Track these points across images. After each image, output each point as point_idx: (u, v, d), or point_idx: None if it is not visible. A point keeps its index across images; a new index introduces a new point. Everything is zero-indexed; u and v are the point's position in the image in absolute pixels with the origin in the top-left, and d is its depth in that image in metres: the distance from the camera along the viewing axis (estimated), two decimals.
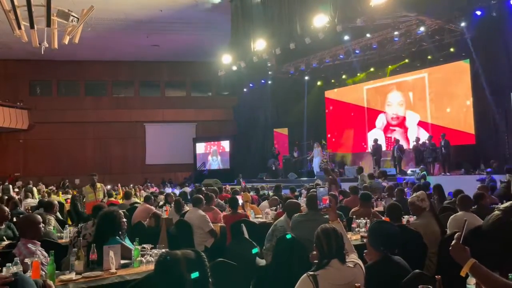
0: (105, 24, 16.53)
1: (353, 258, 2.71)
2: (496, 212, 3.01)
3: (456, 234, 2.06)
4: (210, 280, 1.50)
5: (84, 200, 9.20)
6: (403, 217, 4.97)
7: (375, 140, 16.26)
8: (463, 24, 13.39)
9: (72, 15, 5.81)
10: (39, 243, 3.77)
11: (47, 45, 6.10)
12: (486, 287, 1.94)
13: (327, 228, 2.65)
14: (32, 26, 5.64)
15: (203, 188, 10.79)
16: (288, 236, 4.16)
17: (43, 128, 22.35)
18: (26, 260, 3.21)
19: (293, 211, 4.97)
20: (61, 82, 23.88)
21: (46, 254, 3.58)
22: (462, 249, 1.96)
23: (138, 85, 24.70)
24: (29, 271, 3.07)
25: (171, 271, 1.44)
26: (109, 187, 14.05)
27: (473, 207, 5.56)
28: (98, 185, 9.07)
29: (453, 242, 2.00)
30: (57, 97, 23.61)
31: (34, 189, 14.01)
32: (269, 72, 19.14)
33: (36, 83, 23.88)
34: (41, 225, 3.85)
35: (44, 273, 3.17)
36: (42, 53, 6.40)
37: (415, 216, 4.91)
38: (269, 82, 20.17)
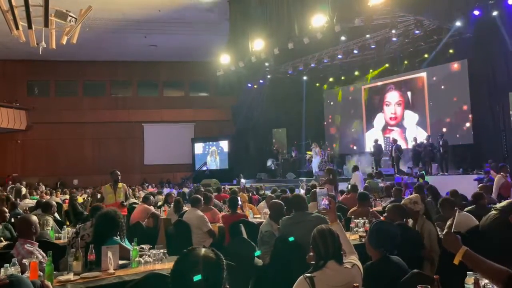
0: (103, 24, 16.51)
1: (351, 259, 2.69)
2: (493, 211, 3.01)
3: (447, 224, 2.10)
4: (223, 283, 1.45)
5: (104, 201, 7.74)
6: None
7: (376, 141, 16.23)
8: (461, 24, 13.41)
9: (70, 15, 5.79)
10: (37, 243, 3.77)
11: (45, 45, 6.09)
12: (480, 273, 2.00)
13: (323, 229, 2.64)
14: (30, 26, 5.62)
15: (202, 189, 10.77)
16: (291, 239, 4.11)
17: (41, 129, 22.32)
18: (24, 260, 3.21)
19: (276, 213, 4.85)
20: (59, 82, 23.84)
21: (44, 254, 3.58)
22: (454, 238, 2.01)
23: (136, 85, 24.69)
24: (27, 271, 3.07)
25: (187, 273, 1.40)
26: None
27: (470, 207, 5.57)
28: (120, 184, 7.70)
29: (445, 231, 2.05)
30: (55, 97, 23.57)
31: (23, 189, 14.05)
32: (268, 72, 19.15)
33: (34, 83, 23.84)
34: (38, 225, 3.85)
35: (42, 273, 3.16)
36: (40, 53, 6.38)
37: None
38: (268, 82, 20.17)
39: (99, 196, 9.91)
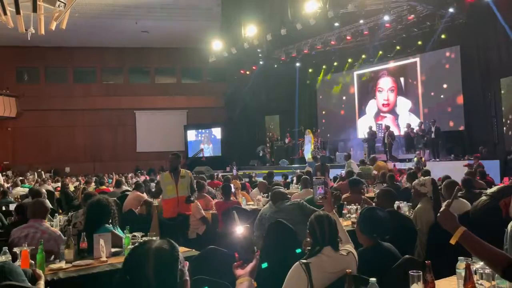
0: (93, 9, 16.28)
1: (347, 247, 2.71)
2: (484, 197, 3.04)
3: (446, 202, 2.02)
4: (180, 275, 1.33)
5: (161, 195, 5.79)
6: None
7: (370, 127, 16.27)
8: (454, 10, 13.38)
9: (58, 0, 5.68)
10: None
11: (34, 31, 5.99)
12: (477, 256, 1.90)
13: (321, 215, 2.65)
14: (18, 12, 5.52)
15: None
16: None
17: (32, 116, 22.07)
18: (15, 249, 3.19)
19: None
20: (49, 68, 23.53)
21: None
22: (451, 217, 1.90)
23: (128, 72, 24.44)
24: (18, 260, 3.05)
25: (137, 266, 1.33)
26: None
27: (461, 193, 5.59)
28: (183, 171, 5.67)
29: (442, 208, 1.94)
30: (45, 84, 23.28)
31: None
32: (260, 59, 19.04)
33: (23, 70, 23.51)
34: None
35: (33, 262, 3.15)
36: (29, 39, 6.28)
37: (407, 202, 4.93)
38: (260, 68, 20.05)
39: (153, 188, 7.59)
